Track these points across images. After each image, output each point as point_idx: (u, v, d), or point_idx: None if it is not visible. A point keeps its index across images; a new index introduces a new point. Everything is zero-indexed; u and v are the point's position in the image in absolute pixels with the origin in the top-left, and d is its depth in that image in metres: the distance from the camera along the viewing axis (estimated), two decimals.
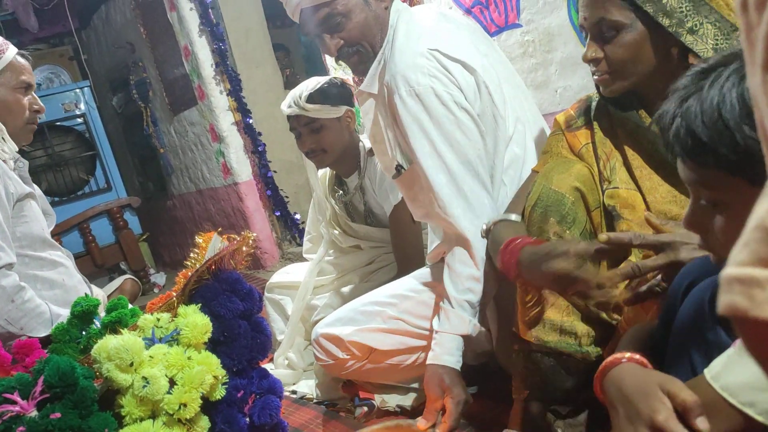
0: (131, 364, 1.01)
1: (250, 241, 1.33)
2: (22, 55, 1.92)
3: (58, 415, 0.90)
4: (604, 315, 1.31)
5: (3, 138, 1.84)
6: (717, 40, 1.20)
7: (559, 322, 1.36)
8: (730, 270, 0.42)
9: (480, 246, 1.52)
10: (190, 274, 1.25)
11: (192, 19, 4.16)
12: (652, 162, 1.30)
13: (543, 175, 1.36)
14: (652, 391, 0.79)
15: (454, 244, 1.57)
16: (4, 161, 1.82)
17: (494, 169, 1.60)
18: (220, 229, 1.43)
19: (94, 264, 4.67)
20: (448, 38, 1.59)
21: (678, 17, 1.20)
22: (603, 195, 1.32)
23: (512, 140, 1.61)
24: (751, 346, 0.45)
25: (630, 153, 1.32)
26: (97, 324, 1.30)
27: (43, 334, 1.64)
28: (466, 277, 1.53)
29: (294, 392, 2.17)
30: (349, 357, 1.79)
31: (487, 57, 1.63)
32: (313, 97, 2.07)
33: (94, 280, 2.25)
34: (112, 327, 1.20)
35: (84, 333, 1.31)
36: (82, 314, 1.29)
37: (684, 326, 0.87)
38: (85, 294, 1.43)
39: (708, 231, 0.78)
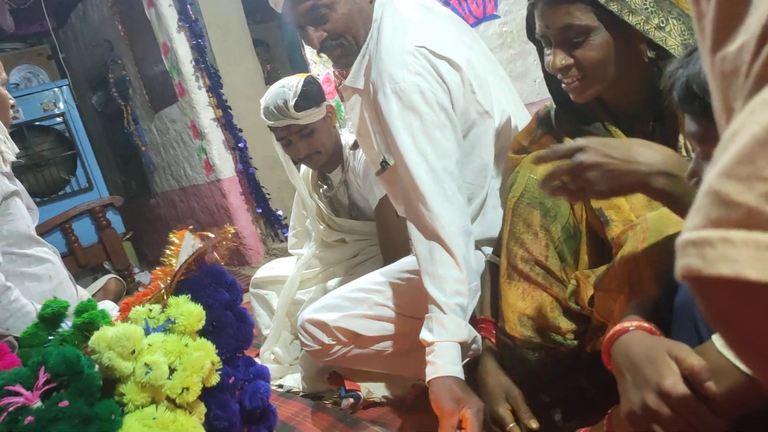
0: (132, 352, 1.03)
1: (230, 236, 1.36)
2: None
3: (66, 403, 0.92)
4: (577, 306, 1.34)
5: (5, 139, 1.87)
6: (684, 35, 1.19)
7: (545, 319, 1.39)
8: (684, 235, 0.45)
9: (461, 244, 1.48)
10: (167, 270, 1.28)
11: (170, 15, 4.15)
12: None
13: (527, 167, 1.37)
14: (660, 357, 0.78)
15: (427, 247, 1.50)
16: (3, 161, 1.84)
17: (484, 162, 1.62)
18: (191, 227, 1.46)
19: (78, 264, 4.65)
20: (434, 33, 1.59)
21: (644, 15, 1.18)
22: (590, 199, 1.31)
23: (500, 134, 1.63)
24: (705, 307, 0.47)
25: None
26: (65, 326, 1.30)
27: None
28: (452, 280, 1.46)
29: (281, 386, 2.19)
30: (334, 342, 1.81)
31: (471, 49, 1.65)
32: (300, 104, 2.06)
33: (77, 281, 2.25)
34: (85, 328, 1.20)
35: (52, 337, 1.30)
36: (51, 317, 1.29)
37: (689, 295, 0.85)
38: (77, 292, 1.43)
39: None
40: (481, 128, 1.62)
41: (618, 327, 0.90)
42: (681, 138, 1.23)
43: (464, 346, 1.46)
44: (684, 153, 1.22)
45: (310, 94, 2.09)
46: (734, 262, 0.41)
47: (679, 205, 0.98)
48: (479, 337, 1.49)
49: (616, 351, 0.87)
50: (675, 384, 0.76)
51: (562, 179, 1.05)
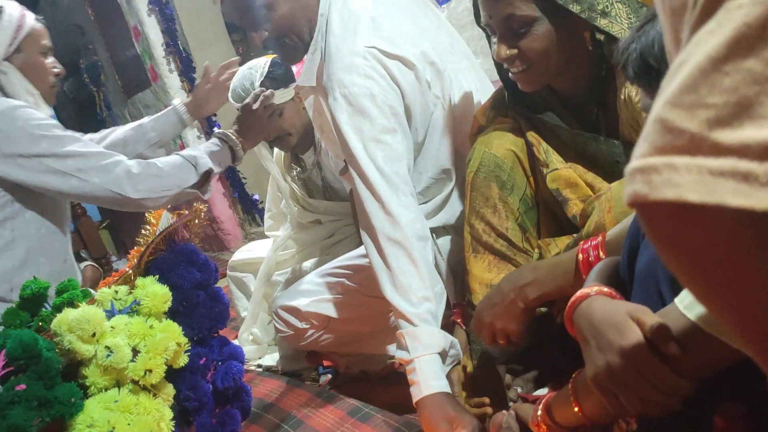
0: (93, 335, 1.02)
1: (202, 214, 1.35)
2: (38, 20, 1.95)
3: (23, 386, 0.91)
4: None
5: (38, 103, 1.87)
6: (630, 18, 1.18)
7: None
8: (632, 163, 0.46)
9: (421, 248, 1.43)
10: (144, 247, 1.27)
11: None
12: (574, 156, 1.30)
13: (483, 142, 1.38)
14: (622, 320, 0.79)
15: (385, 255, 1.43)
16: None
17: (444, 154, 1.61)
18: (169, 206, 1.45)
19: None
20: (386, 29, 1.54)
21: (588, 2, 1.17)
22: (545, 179, 1.31)
23: (463, 122, 1.62)
24: (652, 232, 0.48)
25: (554, 144, 1.32)
26: (47, 307, 1.29)
27: None
28: (416, 287, 1.39)
29: (259, 366, 2.20)
30: (308, 327, 1.83)
31: (427, 31, 1.62)
32: (266, 85, 2.03)
33: None
34: (63, 309, 1.19)
35: (35, 317, 1.29)
36: (32, 297, 1.27)
37: (650, 259, 0.86)
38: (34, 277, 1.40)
39: None
40: (441, 120, 1.60)
41: (579, 293, 0.90)
42: (621, 125, 1.23)
43: (443, 354, 1.39)
44: (624, 138, 1.23)
45: (277, 75, 2.07)
46: (677, 187, 0.43)
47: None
48: (456, 341, 1.44)
49: (578, 317, 0.88)
50: (637, 345, 0.76)
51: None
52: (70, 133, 1.83)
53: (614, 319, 0.80)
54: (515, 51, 1.23)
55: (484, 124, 1.46)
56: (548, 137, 1.32)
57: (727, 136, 0.42)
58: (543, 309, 1.41)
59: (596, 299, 0.87)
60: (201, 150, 1.88)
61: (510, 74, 1.28)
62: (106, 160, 1.79)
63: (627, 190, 0.45)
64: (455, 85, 1.62)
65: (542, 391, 1.51)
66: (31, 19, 1.92)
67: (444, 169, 1.63)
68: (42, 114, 1.82)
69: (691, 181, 0.42)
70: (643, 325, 0.77)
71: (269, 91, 1.88)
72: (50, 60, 1.95)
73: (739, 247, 0.45)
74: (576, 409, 0.92)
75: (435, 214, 1.65)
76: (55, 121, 1.83)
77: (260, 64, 2.10)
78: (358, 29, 1.51)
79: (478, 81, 1.70)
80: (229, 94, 2.11)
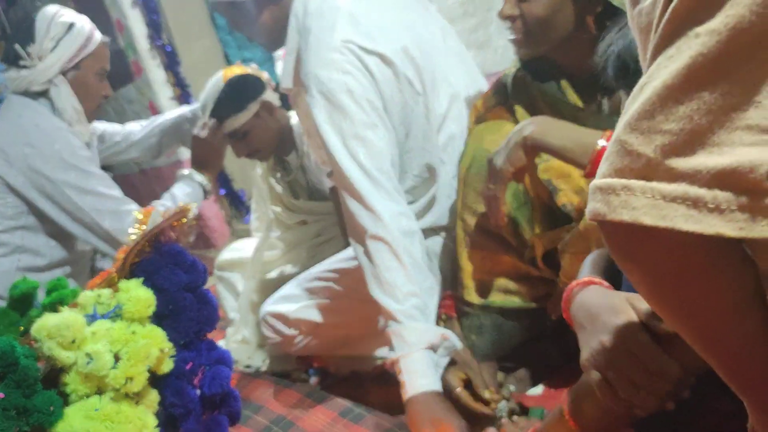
0: (73, 341, 0.99)
1: (190, 214, 1.31)
2: (104, 42, 2.06)
3: (0, 395, 0.88)
4: (536, 269, 1.34)
5: (80, 119, 1.94)
6: None
7: (505, 283, 1.39)
8: (594, 181, 0.48)
9: (407, 243, 1.40)
10: (129, 249, 1.23)
11: None
12: None
13: (475, 137, 1.37)
14: (618, 303, 0.80)
15: (369, 253, 1.41)
16: None
17: (428, 152, 1.57)
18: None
19: None
20: (365, 23, 1.51)
21: None
22: (537, 170, 1.31)
23: (447, 118, 1.58)
24: (612, 247, 0.51)
25: None
26: (37, 306, 1.27)
27: None
28: (400, 283, 1.37)
29: (249, 366, 2.17)
30: (296, 333, 1.82)
31: (412, 26, 1.59)
32: (219, 110, 2.02)
33: None
34: (53, 308, 1.17)
35: (23, 317, 1.28)
36: (21, 297, 1.25)
37: None
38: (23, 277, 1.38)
39: None
40: (423, 117, 1.56)
41: (576, 283, 0.91)
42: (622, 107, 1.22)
43: (434, 348, 1.35)
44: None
45: (231, 99, 2.02)
46: (633, 209, 0.45)
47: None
48: (450, 332, 1.40)
49: (577, 305, 0.89)
50: (631, 325, 0.77)
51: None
52: (100, 171, 1.92)
53: (611, 302, 0.82)
54: (517, 12, 1.24)
55: (483, 113, 1.44)
56: (550, 114, 1.30)
57: (680, 162, 0.44)
58: (531, 304, 1.39)
59: (591, 289, 0.88)
60: (179, 195, 1.97)
61: (509, 37, 1.29)
62: (122, 206, 1.89)
63: (589, 207, 0.48)
64: (442, 82, 1.58)
65: (536, 390, 1.50)
66: (97, 40, 2.01)
67: (429, 168, 1.60)
68: (80, 142, 1.90)
69: (645, 205, 0.45)
70: (638, 310, 0.79)
71: (212, 121, 1.97)
72: (103, 82, 2.04)
73: (689, 268, 0.49)
74: (571, 423, 0.91)
75: (423, 215, 1.62)
76: (89, 154, 1.93)
77: (213, 92, 2.06)
78: (336, 24, 1.48)
79: (468, 77, 1.67)
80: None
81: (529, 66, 1.34)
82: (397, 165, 1.51)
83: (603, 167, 0.48)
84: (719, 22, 0.43)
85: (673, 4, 0.45)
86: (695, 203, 0.43)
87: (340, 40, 1.46)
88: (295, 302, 1.81)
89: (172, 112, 2.41)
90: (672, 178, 0.44)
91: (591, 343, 0.81)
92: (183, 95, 4.13)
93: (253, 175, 2.32)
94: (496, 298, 1.38)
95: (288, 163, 2.23)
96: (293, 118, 2.16)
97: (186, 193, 1.98)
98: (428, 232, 1.63)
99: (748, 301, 0.52)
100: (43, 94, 1.94)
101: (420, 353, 1.32)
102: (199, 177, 2.01)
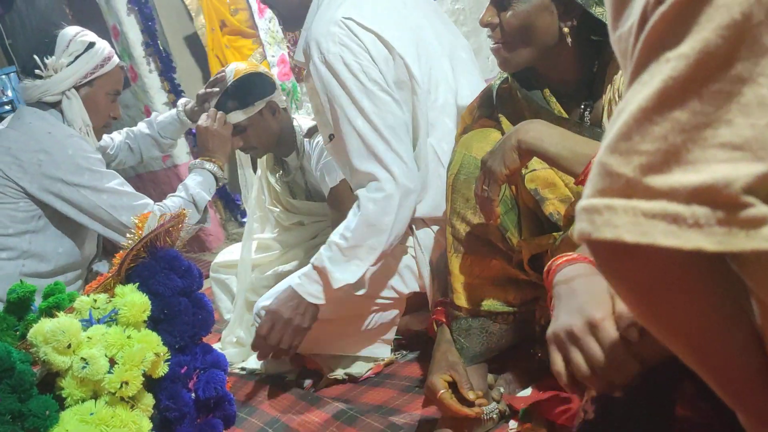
0: (69, 346, 1.00)
1: (185, 219, 1.33)
2: (120, 66, 2.16)
3: None
4: (524, 273, 1.35)
5: (89, 133, 2.02)
6: None
7: (493, 288, 1.40)
8: (579, 203, 0.50)
9: (402, 199, 1.55)
10: (125, 254, 1.25)
11: None
12: None
13: (463, 144, 1.39)
14: (599, 292, 0.81)
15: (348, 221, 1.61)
16: None
17: (418, 133, 1.63)
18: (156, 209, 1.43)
19: None
20: (368, 8, 1.60)
21: None
22: (523, 180, 1.33)
23: (444, 113, 1.63)
24: (599, 265, 0.53)
25: None
26: (34, 310, 1.29)
27: None
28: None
29: (243, 369, 2.18)
30: None
31: (417, 29, 1.64)
32: (226, 103, 2.07)
33: None
34: (50, 312, 1.19)
35: (21, 321, 1.29)
36: (19, 301, 1.27)
37: None
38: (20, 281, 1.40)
39: None
40: (419, 101, 1.62)
41: (568, 256, 0.91)
42: (604, 123, 1.23)
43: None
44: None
45: (238, 96, 2.07)
46: (615, 228, 0.47)
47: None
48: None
49: (561, 275, 0.89)
50: (605, 319, 0.78)
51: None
52: (111, 171, 2.01)
53: (593, 288, 0.83)
54: (496, 20, 1.23)
55: (470, 124, 1.46)
56: None
57: (658, 180, 0.46)
58: (521, 308, 1.41)
59: (582, 265, 0.89)
60: (191, 185, 2.02)
61: (490, 47, 1.29)
62: (137, 201, 1.97)
63: (575, 228, 0.50)
64: (441, 80, 1.64)
65: (525, 392, 1.51)
66: (114, 63, 2.09)
67: (416, 155, 1.65)
68: (91, 147, 1.99)
69: (627, 223, 0.46)
70: (616, 304, 0.80)
71: (220, 113, 2.03)
72: (114, 103, 2.12)
73: (671, 284, 0.50)
74: None
75: (419, 201, 1.65)
76: (100, 156, 2.01)
77: (222, 82, 2.10)
78: (342, 4, 1.59)
79: (470, 88, 1.69)
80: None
81: (516, 75, 1.35)
82: (405, 125, 1.59)
83: (587, 189, 0.50)
84: (688, 47, 0.45)
85: (644, 33, 0.48)
86: (675, 219, 0.45)
87: (341, 16, 1.56)
88: None
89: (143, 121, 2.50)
90: (651, 195, 0.46)
91: (562, 320, 0.82)
92: (178, 101, 4.14)
93: (247, 176, 2.33)
94: (485, 302, 1.40)
95: (287, 164, 2.25)
96: (296, 120, 2.20)
97: (197, 182, 2.03)
98: (419, 222, 1.68)
99: (733, 315, 0.54)
100: (55, 106, 2.03)
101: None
102: (209, 165, 2.06)
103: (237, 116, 2.07)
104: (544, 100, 1.31)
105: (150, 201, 1.99)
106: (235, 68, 2.10)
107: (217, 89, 2.10)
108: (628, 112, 0.47)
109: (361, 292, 1.71)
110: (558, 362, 0.82)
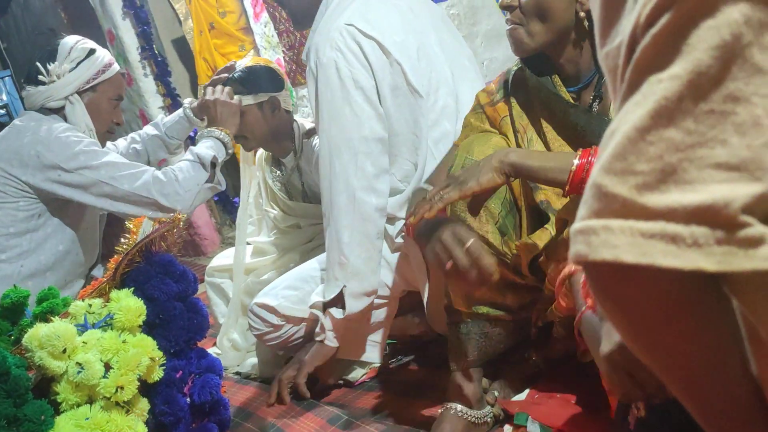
0: (64, 351, 1.00)
1: (181, 223, 1.33)
2: (121, 72, 2.22)
3: None
4: (521, 277, 1.36)
5: (91, 137, 2.07)
6: None
7: (491, 292, 1.40)
8: (574, 225, 0.49)
9: (351, 218, 1.59)
10: (120, 259, 1.25)
11: (114, 2, 4.02)
12: (565, 132, 1.32)
13: (464, 148, 1.39)
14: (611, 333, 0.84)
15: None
16: None
17: (419, 142, 1.64)
18: (150, 213, 1.43)
19: None
20: (372, 13, 1.62)
21: None
22: None
23: (443, 116, 1.66)
24: (595, 288, 0.52)
25: (545, 124, 1.34)
26: (28, 315, 1.28)
27: None
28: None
29: (238, 373, 2.17)
30: (284, 322, 1.83)
31: (422, 34, 1.68)
32: (233, 84, 2.09)
33: None
34: (43, 317, 1.18)
35: (14, 326, 1.29)
36: (12, 306, 1.26)
37: None
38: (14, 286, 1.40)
39: None
40: (416, 107, 1.63)
41: (582, 310, 0.97)
42: (611, 113, 1.25)
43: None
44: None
45: (246, 80, 2.08)
46: (614, 248, 0.46)
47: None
48: None
49: (583, 329, 0.94)
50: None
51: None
52: (105, 150, 2.07)
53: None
54: (516, 2, 1.26)
55: (483, 104, 1.46)
56: (542, 114, 1.34)
57: (655, 200, 0.45)
58: (518, 312, 1.41)
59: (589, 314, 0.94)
60: (197, 148, 2.04)
61: (507, 30, 1.30)
62: (135, 169, 1.99)
63: (571, 251, 0.49)
64: (441, 85, 1.67)
65: (520, 396, 1.51)
66: (115, 69, 2.16)
67: (417, 158, 1.68)
68: (88, 138, 2.03)
69: (625, 243, 0.46)
70: None
71: (227, 88, 2.05)
72: (117, 110, 2.18)
73: (670, 304, 0.49)
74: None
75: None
76: (94, 140, 2.06)
77: (239, 65, 2.14)
78: (348, 9, 1.62)
79: (471, 94, 1.70)
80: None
81: (528, 61, 1.37)
82: (381, 142, 1.61)
83: (582, 211, 0.49)
84: (680, 68, 0.45)
85: (635, 56, 0.48)
86: (674, 239, 0.44)
87: (344, 22, 1.59)
88: (285, 295, 1.84)
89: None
90: (649, 216, 0.45)
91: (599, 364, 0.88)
92: (173, 105, 4.14)
93: (247, 172, 2.34)
94: (482, 306, 1.40)
95: (284, 165, 2.25)
96: (297, 122, 2.20)
97: (208, 146, 2.03)
98: None
99: (725, 341, 0.53)
100: (58, 112, 2.08)
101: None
102: (218, 132, 2.06)
103: (242, 98, 2.08)
104: (554, 86, 1.32)
105: (149, 167, 2.03)
106: (252, 57, 2.13)
107: (225, 75, 2.13)
108: (621, 132, 0.47)
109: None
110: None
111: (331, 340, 1.70)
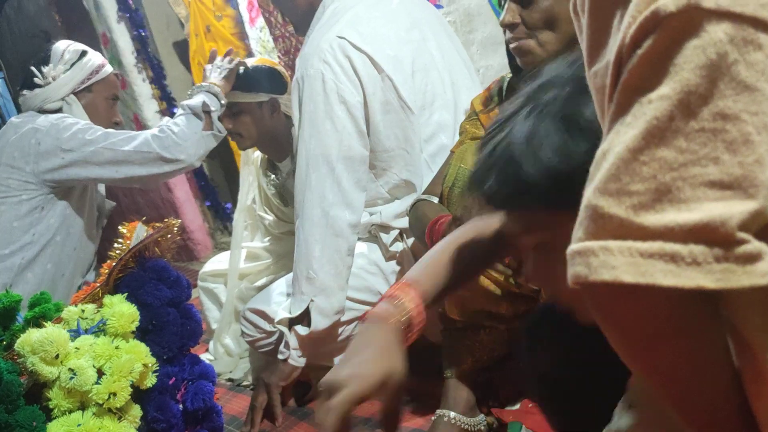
0: (57, 356, 0.99)
1: (175, 229, 1.32)
2: (115, 73, 2.29)
3: None
4: (517, 286, 1.35)
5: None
6: None
7: (485, 301, 1.40)
8: (571, 247, 0.49)
9: (323, 232, 1.58)
10: (113, 264, 1.24)
11: (109, 5, 4.01)
12: None
13: (458, 157, 1.40)
14: None
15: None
16: None
17: (410, 155, 1.64)
18: (144, 218, 1.42)
19: None
20: (364, 25, 1.61)
21: None
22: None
23: (440, 129, 1.66)
24: (595, 309, 0.51)
25: None
26: (20, 320, 1.27)
27: None
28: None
29: (231, 379, 2.16)
30: (276, 329, 1.81)
31: (420, 42, 1.67)
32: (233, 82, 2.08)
33: None
34: (36, 322, 1.17)
35: (6, 331, 1.28)
36: (4, 311, 1.25)
37: None
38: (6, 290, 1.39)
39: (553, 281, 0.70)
40: (407, 122, 1.63)
41: None
42: None
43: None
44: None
45: (248, 78, 2.08)
46: (613, 268, 0.46)
47: None
48: None
49: None
50: None
51: None
52: (98, 126, 2.09)
53: None
54: (518, 19, 1.25)
55: (478, 111, 1.46)
56: None
57: (652, 219, 0.46)
58: (513, 321, 1.41)
59: None
60: (187, 101, 2.08)
61: (510, 45, 1.29)
62: (129, 133, 2.07)
63: (569, 272, 0.49)
64: (438, 97, 1.66)
65: (514, 405, 1.51)
66: (108, 70, 2.22)
67: (412, 171, 1.67)
68: (83, 123, 2.06)
69: (625, 263, 0.46)
70: None
71: (236, 60, 2.08)
72: (114, 109, 2.24)
73: (669, 322, 0.50)
74: None
75: (405, 215, 1.66)
76: (88, 122, 2.10)
77: (241, 64, 2.15)
78: (341, 21, 1.61)
79: (469, 103, 1.71)
80: None
81: (522, 73, 1.36)
82: (360, 159, 1.61)
83: (578, 233, 0.49)
84: (668, 88, 0.46)
85: (623, 77, 0.48)
86: (673, 258, 0.45)
87: (335, 35, 1.58)
88: (278, 301, 1.82)
89: None
90: (647, 235, 0.46)
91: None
92: (169, 109, 4.13)
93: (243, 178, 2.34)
94: (477, 315, 1.40)
95: (280, 170, 2.24)
96: (294, 127, 2.20)
97: (202, 99, 2.04)
98: (409, 232, 1.67)
99: (720, 358, 0.53)
100: (55, 113, 2.10)
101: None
102: (207, 85, 2.06)
103: (237, 96, 2.08)
104: None
105: (144, 132, 2.07)
106: (259, 58, 2.13)
107: (237, 60, 2.13)
108: (614, 154, 0.47)
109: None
110: None
111: (295, 359, 1.68)
